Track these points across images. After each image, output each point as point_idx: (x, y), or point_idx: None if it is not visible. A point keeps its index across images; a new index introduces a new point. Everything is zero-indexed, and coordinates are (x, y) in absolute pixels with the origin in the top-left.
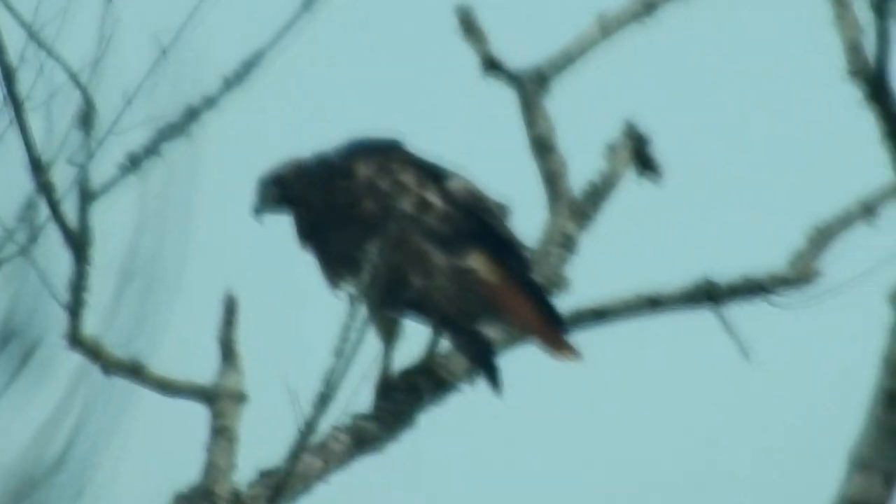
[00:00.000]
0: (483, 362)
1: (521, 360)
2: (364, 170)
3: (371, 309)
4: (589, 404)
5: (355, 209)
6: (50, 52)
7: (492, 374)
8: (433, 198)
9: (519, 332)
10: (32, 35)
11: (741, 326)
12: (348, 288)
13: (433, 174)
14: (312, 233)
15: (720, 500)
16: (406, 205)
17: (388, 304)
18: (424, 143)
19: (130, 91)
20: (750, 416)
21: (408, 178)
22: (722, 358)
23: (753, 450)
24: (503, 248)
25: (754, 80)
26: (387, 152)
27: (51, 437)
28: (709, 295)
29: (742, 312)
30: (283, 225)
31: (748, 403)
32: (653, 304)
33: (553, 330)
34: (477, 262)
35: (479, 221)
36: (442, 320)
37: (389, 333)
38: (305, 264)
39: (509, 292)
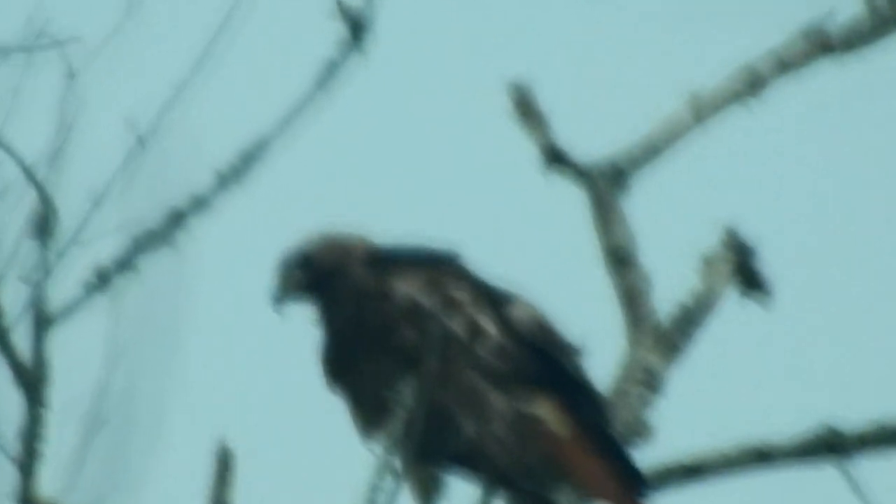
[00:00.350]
0: None
1: None
2: (404, 285)
3: (406, 462)
4: None
5: (391, 338)
6: None
7: None
8: (488, 325)
9: (586, 495)
10: None
11: (871, 486)
12: (383, 438)
13: (493, 296)
14: (341, 368)
15: None
16: (456, 327)
17: (429, 455)
18: (474, 256)
19: (99, 190)
20: None
21: (461, 295)
22: None
23: None
24: (575, 394)
25: (885, 176)
26: (438, 265)
27: None
28: (831, 447)
29: (873, 468)
30: (293, 353)
31: None
32: (760, 457)
33: (629, 498)
34: (544, 409)
35: (545, 360)
36: (497, 476)
37: (428, 493)
38: (321, 405)
39: (581, 449)
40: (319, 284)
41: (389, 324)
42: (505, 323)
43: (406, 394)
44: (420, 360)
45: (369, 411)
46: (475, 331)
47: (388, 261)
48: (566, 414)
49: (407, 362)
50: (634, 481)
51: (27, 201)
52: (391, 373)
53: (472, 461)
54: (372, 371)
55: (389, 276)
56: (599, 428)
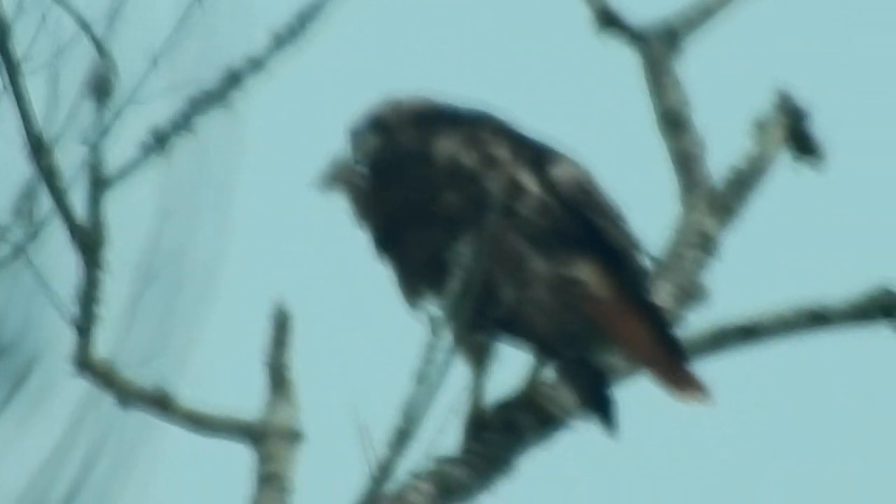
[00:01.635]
0: (594, 396)
1: (640, 395)
2: (444, 147)
3: (457, 328)
4: (731, 447)
5: (435, 203)
6: None
7: (605, 411)
8: (529, 182)
9: (632, 362)
10: None
11: None
12: (430, 305)
13: (534, 154)
14: (388, 239)
15: None
16: (494, 187)
17: (473, 322)
18: (524, 118)
19: (155, 50)
20: None
21: (501, 152)
22: None
23: None
24: (616, 259)
25: None
26: (476, 123)
27: (52, 481)
28: (887, 308)
29: None
30: (347, 217)
31: None
32: (815, 319)
33: (676, 363)
34: (586, 272)
35: (586, 223)
36: (540, 344)
37: (480, 358)
38: (378, 267)
39: (624, 313)
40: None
41: (432, 189)
42: (546, 182)
43: (462, 258)
44: (464, 222)
45: (415, 278)
46: (516, 189)
47: (434, 119)
48: (609, 277)
49: (451, 228)
50: (678, 352)
51: (84, 61)
52: (436, 239)
53: (514, 328)
54: (417, 237)
55: (431, 137)
56: (640, 294)
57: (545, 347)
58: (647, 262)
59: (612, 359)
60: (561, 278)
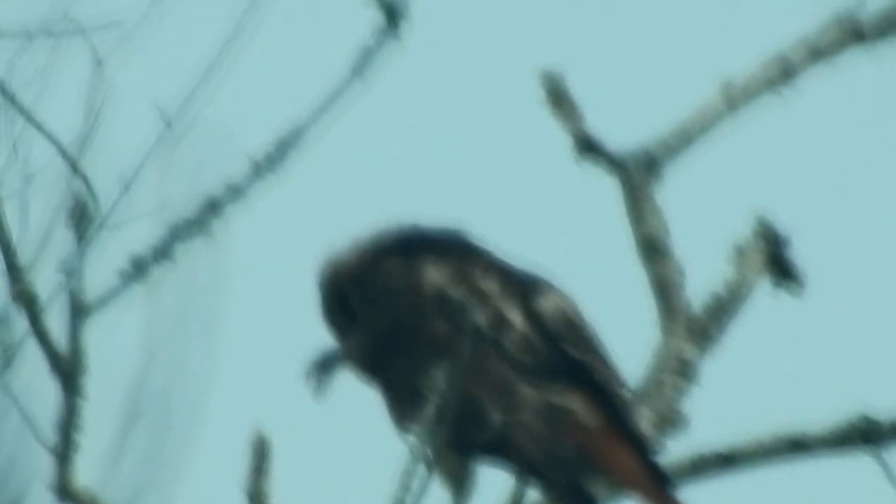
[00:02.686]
0: None
1: None
2: (433, 276)
3: (437, 451)
4: None
5: (423, 330)
6: (30, 120)
7: None
8: (515, 317)
9: (620, 489)
10: (6, 97)
11: None
12: (415, 428)
13: (521, 286)
14: (375, 363)
15: None
16: (481, 319)
17: (458, 445)
18: (504, 244)
19: (130, 176)
20: None
21: (490, 286)
22: None
23: None
24: (600, 391)
25: None
26: (460, 251)
27: None
28: (867, 436)
29: None
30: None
31: None
32: (795, 447)
33: (664, 491)
34: (573, 401)
35: (568, 358)
36: (528, 468)
37: (459, 483)
38: (356, 397)
39: (611, 441)
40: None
41: (419, 316)
42: (532, 315)
43: (438, 383)
44: (450, 351)
45: (403, 403)
46: (501, 323)
47: (415, 249)
48: (595, 407)
49: (438, 354)
50: (661, 477)
51: (61, 186)
52: (423, 364)
53: (501, 452)
54: (405, 363)
55: (417, 268)
56: (626, 424)
57: (534, 471)
58: (629, 395)
59: (600, 486)
60: (549, 405)
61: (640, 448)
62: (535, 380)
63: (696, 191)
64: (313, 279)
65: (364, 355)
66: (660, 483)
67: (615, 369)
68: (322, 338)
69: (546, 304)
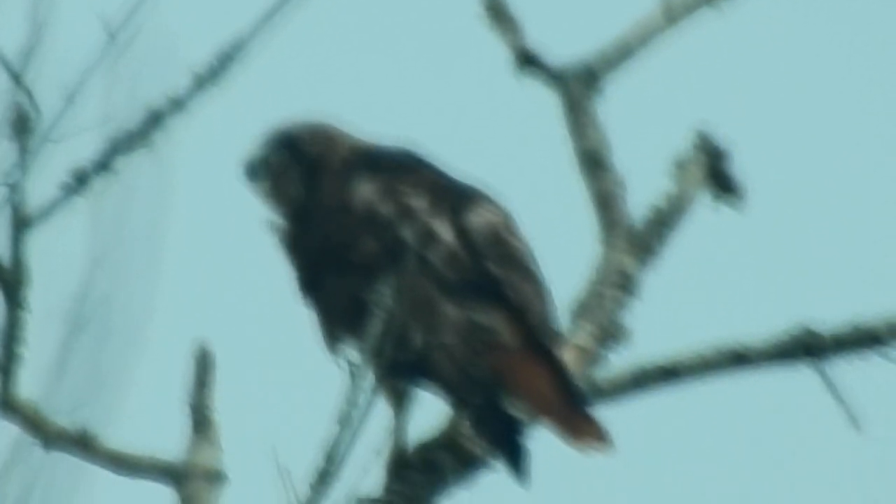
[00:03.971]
0: (504, 443)
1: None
2: (362, 194)
3: (377, 371)
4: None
5: (352, 248)
6: None
7: (515, 459)
8: (444, 232)
9: (531, 411)
10: None
11: (849, 388)
12: (349, 349)
13: (454, 198)
14: (309, 284)
15: None
16: (409, 236)
17: (389, 366)
18: (445, 157)
19: (73, 88)
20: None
21: (418, 202)
22: (824, 427)
23: None
24: (518, 310)
25: (856, 77)
26: (399, 169)
27: None
28: (808, 348)
29: (850, 370)
30: (272, 260)
31: (858, 484)
32: (737, 360)
33: (577, 413)
34: (496, 321)
35: (491, 275)
36: (447, 389)
37: (400, 400)
38: (301, 309)
39: (528, 362)
40: (298, 172)
41: (349, 234)
42: (462, 231)
43: (376, 304)
44: (381, 269)
45: (334, 322)
46: (429, 239)
47: (360, 163)
48: (515, 327)
49: (369, 272)
50: (577, 399)
51: (2, 99)
52: (354, 283)
53: (422, 372)
54: (336, 283)
55: (351, 184)
56: (544, 346)
57: (452, 393)
58: (552, 314)
59: (516, 408)
60: (471, 324)
61: (556, 370)
62: (459, 297)
63: (636, 105)
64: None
65: (298, 272)
66: (574, 406)
67: (542, 288)
68: (263, 250)
69: (475, 220)
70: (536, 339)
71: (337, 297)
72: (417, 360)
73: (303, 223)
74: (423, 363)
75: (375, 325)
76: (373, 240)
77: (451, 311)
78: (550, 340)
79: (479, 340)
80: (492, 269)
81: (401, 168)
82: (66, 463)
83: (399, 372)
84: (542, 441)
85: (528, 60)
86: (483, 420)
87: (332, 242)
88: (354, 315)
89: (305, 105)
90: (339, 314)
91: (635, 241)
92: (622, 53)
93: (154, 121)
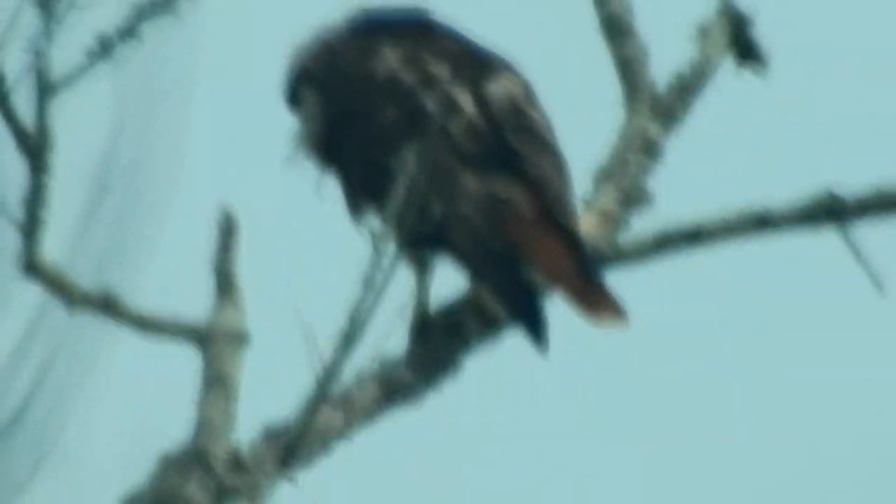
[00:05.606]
0: (522, 312)
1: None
2: (385, 62)
3: (399, 237)
4: (676, 358)
5: (374, 116)
6: None
7: (535, 328)
8: (464, 101)
9: (547, 283)
10: None
11: (873, 251)
12: (373, 218)
13: (474, 67)
14: (330, 150)
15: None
16: (431, 105)
17: (409, 236)
18: (466, 25)
19: None
20: (887, 369)
21: (440, 70)
22: (848, 291)
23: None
24: (534, 181)
25: None
26: (419, 34)
27: (5, 387)
28: (831, 212)
29: (874, 234)
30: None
31: (884, 350)
32: (760, 223)
33: (592, 286)
34: (513, 193)
35: (509, 146)
36: (464, 261)
37: (422, 264)
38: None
39: (545, 234)
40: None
41: (371, 102)
42: (481, 101)
43: (406, 166)
44: (403, 138)
45: (357, 190)
46: (451, 108)
47: (370, 31)
48: (532, 199)
49: (390, 140)
50: (592, 273)
51: None
52: (376, 151)
53: (441, 243)
54: (358, 150)
55: (372, 54)
56: (560, 218)
57: (470, 264)
58: (569, 187)
59: (534, 279)
60: (489, 195)
61: (571, 243)
62: (479, 168)
63: None
64: (280, 64)
65: (319, 142)
66: (589, 280)
67: (560, 161)
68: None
69: (495, 89)
70: (553, 213)
71: (359, 165)
72: (436, 231)
73: (323, 93)
74: (442, 234)
75: (397, 194)
76: (395, 108)
77: (470, 183)
78: (567, 215)
79: (497, 212)
80: (511, 142)
81: (422, 34)
82: (90, 325)
83: (419, 241)
84: (560, 312)
85: None
86: (500, 290)
87: (354, 110)
88: (376, 183)
89: None
90: (361, 182)
91: (658, 107)
92: None
93: None
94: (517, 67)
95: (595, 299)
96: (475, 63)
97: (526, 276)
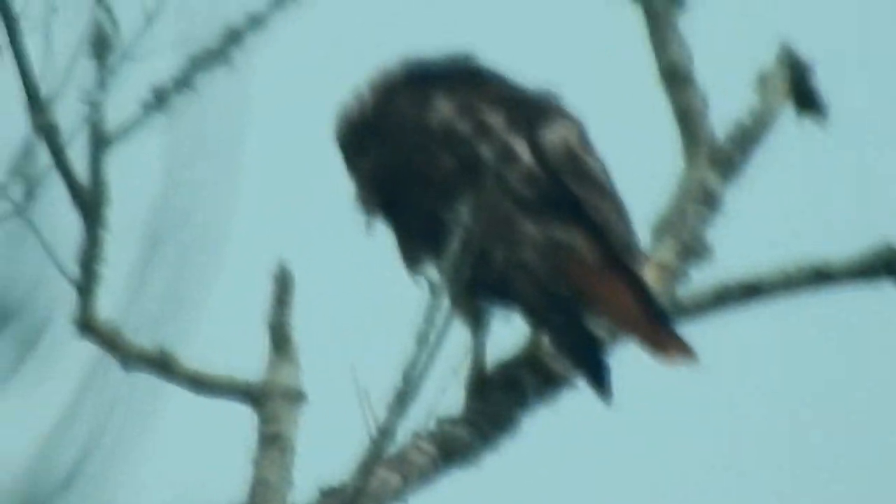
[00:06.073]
0: (586, 361)
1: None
2: (440, 111)
3: (454, 290)
4: (734, 408)
5: (430, 166)
6: None
7: (598, 376)
8: (520, 149)
9: (615, 328)
10: None
11: None
12: (429, 269)
13: (529, 116)
14: (385, 201)
15: None
16: (487, 153)
17: (467, 286)
18: (524, 73)
19: (152, 4)
20: None
21: (495, 119)
22: None
23: None
24: (597, 229)
25: None
26: (470, 82)
27: (60, 445)
28: (890, 265)
29: None
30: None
31: None
32: (819, 276)
33: (660, 327)
34: (574, 238)
35: (568, 192)
36: (527, 308)
37: (478, 319)
38: (380, 231)
39: (609, 279)
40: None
41: (427, 152)
42: (538, 148)
43: (454, 222)
44: (459, 188)
45: (412, 240)
46: (507, 156)
47: (421, 80)
48: (594, 244)
49: (446, 190)
50: (660, 314)
51: (82, 17)
52: (432, 201)
53: (503, 292)
54: (413, 200)
55: (426, 103)
56: (624, 262)
57: (532, 311)
58: (631, 231)
59: (599, 326)
60: (550, 241)
61: (639, 286)
62: (538, 215)
63: (719, 18)
64: (334, 115)
65: (374, 193)
66: (657, 320)
67: (620, 206)
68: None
69: (551, 136)
70: (617, 257)
71: (415, 216)
72: (497, 279)
73: (376, 142)
74: (503, 282)
75: (454, 244)
76: (451, 158)
77: (530, 229)
78: (632, 258)
79: (559, 258)
80: (570, 188)
81: (472, 81)
82: (145, 383)
83: (478, 291)
84: (625, 359)
85: None
86: (564, 338)
87: (409, 161)
88: (433, 234)
89: (382, 23)
90: (418, 233)
91: (718, 157)
92: None
93: (233, 38)
94: (570, 111)
95: (664, 339)
96: (529, 110)
97: (588, 323)
